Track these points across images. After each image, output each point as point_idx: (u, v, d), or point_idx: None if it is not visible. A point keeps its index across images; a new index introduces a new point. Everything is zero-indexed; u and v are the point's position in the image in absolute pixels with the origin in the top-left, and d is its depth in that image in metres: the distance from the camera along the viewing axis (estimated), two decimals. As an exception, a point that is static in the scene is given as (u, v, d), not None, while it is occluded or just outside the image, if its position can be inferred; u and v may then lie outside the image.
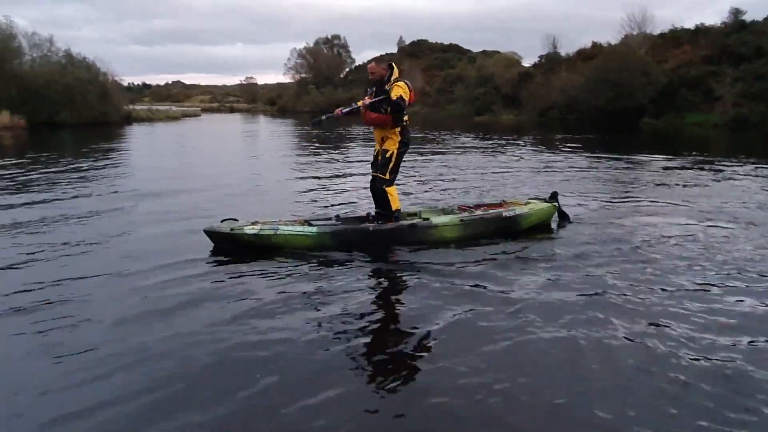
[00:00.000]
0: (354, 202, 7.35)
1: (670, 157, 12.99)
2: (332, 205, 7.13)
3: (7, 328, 3.42)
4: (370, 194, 5.55)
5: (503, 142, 18.57)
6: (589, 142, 18.27)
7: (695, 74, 29.51)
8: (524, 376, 2.83)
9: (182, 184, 9.05)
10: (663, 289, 3.97)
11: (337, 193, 8.24)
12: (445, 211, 5.81)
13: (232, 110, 66.07)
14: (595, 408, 2.54)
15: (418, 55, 56.68)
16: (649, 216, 6.46)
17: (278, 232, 4.92)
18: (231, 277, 4.31)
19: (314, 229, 5.02)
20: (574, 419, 2.49)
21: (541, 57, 41.49)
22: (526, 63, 43.94)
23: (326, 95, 54.38)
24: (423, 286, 4.11)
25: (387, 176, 5.19)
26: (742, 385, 2.72)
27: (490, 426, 2.45)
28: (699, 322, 3.42)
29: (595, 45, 38.56)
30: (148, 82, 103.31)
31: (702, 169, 10.85)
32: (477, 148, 16.33)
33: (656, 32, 36.16)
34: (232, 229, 4.93)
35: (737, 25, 31.45)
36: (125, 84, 50.48)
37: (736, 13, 32.06)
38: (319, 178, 9.94)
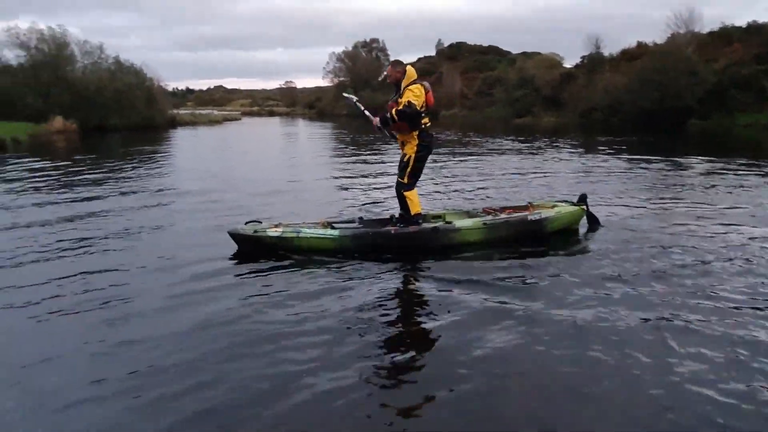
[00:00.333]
0: (381, 202, 7.47)
1: (714, 159, 12.47)
2: (363, 204, 7.36)
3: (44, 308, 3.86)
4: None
5: (542, 144, 18.26)
6: (632, 143, 17.76)
7: (746, 73, 28.20)
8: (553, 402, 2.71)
9: (226, 184, 9.55)
10: (700, 305, 3.75)
11: (366, 193, 8.42)
12: (470, 214, 5.77)
13: (271, 114, 67.43)
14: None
15: (457, 57, 56.10)
16: (688, 222, 6.16)
17: (300, 235, 5.00)
18: (252, 271, 4.59)
19: (336, 232, 5.07)
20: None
21: (583, 58, 40.47)
22: (568, 64, 42.97)
23: (364, 98, 54.65)
24: (440, 293, 4.08)
25: (405, 180, 5.20)
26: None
27: None
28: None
29: (640, 45, 37.32)
30: (191, 87, 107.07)
31: (749, 172, 10.32)
32: (514, 150, 16.11)
33: (705, 31, 34.79)
34: (255, 232, 5.05)
35: (793, 21, 29.96)
36: (170, 89, 52.01)
37: (792, 9, 30.55)
38: (351, 178, 10.17)
